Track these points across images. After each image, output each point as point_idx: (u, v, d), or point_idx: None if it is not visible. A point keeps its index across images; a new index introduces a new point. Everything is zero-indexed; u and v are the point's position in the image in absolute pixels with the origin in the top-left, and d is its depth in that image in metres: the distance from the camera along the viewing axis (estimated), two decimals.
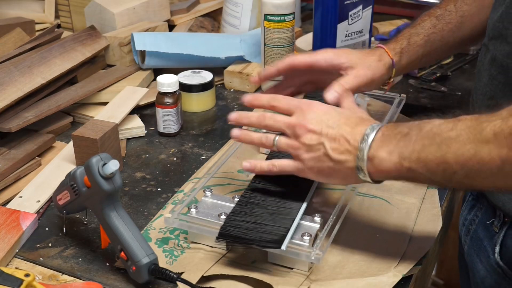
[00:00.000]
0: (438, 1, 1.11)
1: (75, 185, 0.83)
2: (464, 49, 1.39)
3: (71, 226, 0.92)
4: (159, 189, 1.00)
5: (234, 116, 0.88)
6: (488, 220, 0.89)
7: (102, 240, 0.83)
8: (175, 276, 0.79)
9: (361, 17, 1.28)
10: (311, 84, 1.03)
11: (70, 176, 0.84)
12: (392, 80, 1.03)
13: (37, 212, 0.94)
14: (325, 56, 0.97)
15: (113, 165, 0.78)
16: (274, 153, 0.95)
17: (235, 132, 0.88)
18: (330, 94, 0.91)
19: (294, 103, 0.84)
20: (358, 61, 0.97)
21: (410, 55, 1.03)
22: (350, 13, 1.26)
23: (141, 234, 0.81)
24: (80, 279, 0.82)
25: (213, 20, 1.56)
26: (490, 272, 0.87)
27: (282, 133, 0.84)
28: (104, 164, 0.79)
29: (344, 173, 0.78)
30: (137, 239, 0.79)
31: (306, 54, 1.00)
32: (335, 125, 0.79)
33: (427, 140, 0.71)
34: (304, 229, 0.82)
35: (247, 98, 0.89)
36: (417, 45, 1.03)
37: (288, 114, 0.83)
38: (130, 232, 0.80)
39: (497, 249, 0.85)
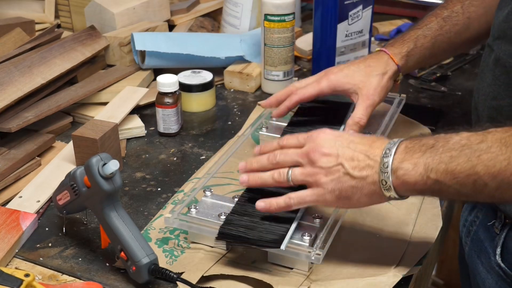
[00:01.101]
0: (438, 1, 1.10)
1: (75, 185, 0.83)
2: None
3: (71, 226, 0.92)
4: (159, 189, 1.00)
5: (242, 165, 0.85)
6: (489, 222, 0.88)
7: (102, 240, 0.83)
8: (175, 276, 0.79)
9: (361, 17, 1.28)
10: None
11: (70, 176, 0.84)
12: (398, 80, 1.05)
13: (37, 212, 0.94)
14: (328, 84, 1.01)
15: (113, 165, 0.78)
16: None
17: (243, 178, 0.84)
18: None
19: (302, 135, 0.82)
20: (362, 86, 0.99)
21: (417, 58, 1.04)
22: (350, 13, 1.26)
23: (141, 234, 0.81)
24: (80, 279, 0.82)
25: (213, 20, 1.56)
26: (491, 274, 0.87)
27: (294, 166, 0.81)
28: (104, 164, 0.79)
29: (368, 190, 0.75)
30: (137, 239, 0.79)
31: (310, 85, 1.02)
32: (350, 145, 0.77)
33: (455, 151, 0.69)
34: (304, 229, 0.82)
35: (256, 150, 0.87)
36: (424, 47, 1.03)
37: (299, 147, 0.81)
38: (130, 232, 0.79)
39: (498, 250, 0.85)
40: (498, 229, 0.86)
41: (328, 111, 1.08)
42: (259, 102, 1.07)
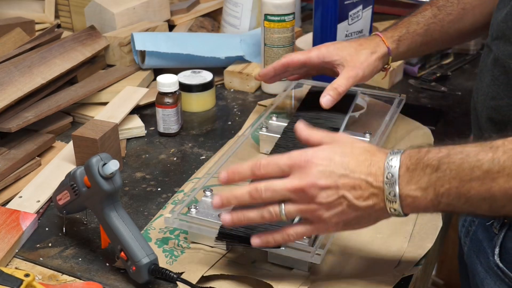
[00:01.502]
0: None
1: (75, 185, 0.83)
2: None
3: (71, 226, 0.92)
4: (159, 189, 1.00)
5: (217, 201, 0.74)
6: (487, 222, 0.88)
7: (102, 240, 0.83)
8: (175, 276, 0.79)
9: (361, 17, 1.28)
10: (308, 74, 1.11)
11: (70, 176, 0.84)
12: (389, 66, 1.06)
13: (37, 212, 0.94)
14: (317, 54, 1.03)
15: (113, 165, 0.78)
16: (274, 153, 0.95)
17: (225, 218, 0.74)
18: (326, 99, 1.00)
19: (284, 161, 0.72)
20: (349, 59, 1.01)
21: (408, 43, 1.04)
22: (350, 13, 1.26)
23: (141, 234, 0.81)
24: (80, 279, 0.82)
25: (213, 20, 1.56)
26: (490, 274, 0.87)
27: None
28: (104, 164, 0.78)
29: (375, 216, 0.73)
30: (137, 239, 0.79)
31: (301, 52, 1.05)
32: (347, 171, 0.70)
33: (464, 174, 0.66)
34: None
35: (223, 177, 0.75)
36: (416, 33, 1.04)
37: (283, 176, 0.72)
38: (130, 232, 0.80)
39: (497, 250, 0.85)
40: (496, 229, 0.86)
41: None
42: (257, 75, 1.09)
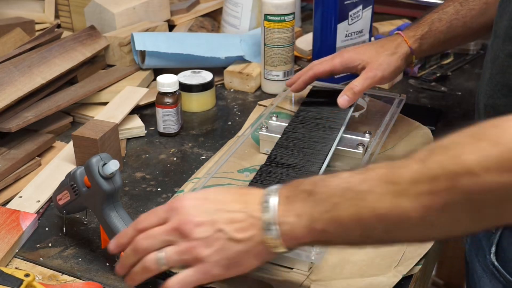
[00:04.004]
0: (438, 1, 1.11)
1: (75, 185, 0.83)
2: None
3: (71, 226, 0.92)
4: (159, 189, 1.00)
5: (117, 270, 0.74)
6: None
7: (102, 240, 0.83)
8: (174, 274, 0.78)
9: (361, 17, 1.28)
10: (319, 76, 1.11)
11: (70, 176, 0.84)
12: (414, 64, 1.07)
13: (37, 212, 0.94)
14: (340, 61, 1.06)
15: (113, 165, 0.78)
16: (274, 153, 0.95)
17: (118, 272, 0.74)
18: (343, 99, 1.03)
19: (161, 210, 0.71)
20: (370, 61, 1.03)
21: (431, 42, 1.05)
22: (350, 13, 1.26)
23: None
24: (80, 279, 0.82)
25: (213, 20, 1.56)
26: (486, 272, 0.87)
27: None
28: (104, 164, 0.78)
29: (256, 250, 0.67)
30: None
31: (325, 61, 1.08)
32: (223, 206, 0.68)
33: (337, 197, 0.63)
34: None
35: (112, 249, 0.74)
36: (438, 31, 1.04)
37: (163, 223, 0.70)
38: None
39: (493, 249, 0.85)
40: (494, 228, 0.86)
41: (334, 100, 1.08)
42: (287, 83, 1.13)
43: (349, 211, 0.62)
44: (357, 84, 1.03)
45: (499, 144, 0.55)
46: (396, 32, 1.08)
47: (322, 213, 0.63)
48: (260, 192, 0.68)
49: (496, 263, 0.85)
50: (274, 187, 0.68)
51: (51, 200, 0.96)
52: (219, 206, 0.68)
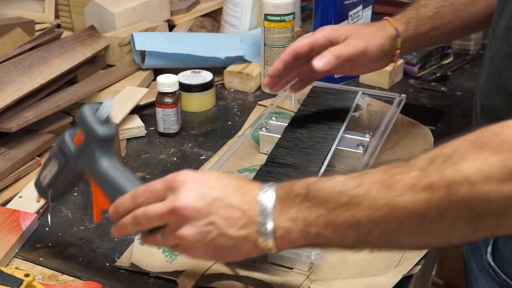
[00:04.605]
0: None
1: (64, 147, 0.76)
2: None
3: (71, 226, 0.91)
4: None
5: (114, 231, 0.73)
6: None
7: (95, 212, 0.77)
8: None
9: (361, 17, 1.28)
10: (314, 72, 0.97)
11: (58, 141, 0.78)
12: (398, 51, 1.00)
13: (37, 212, 0.94)
14: (323, 33, 0.97)
15: (108, 107, 0.73)
16: (274, 153, 0.95)
17: (113, 232, 0.73)
18: (320, 60, 0.91)
19: (158, 186, 0.69)
20: (354, 32, 0.96)
21: (417, 26, 1.00)
22: (350, 13, 1.26)
23: (141, 181, 0.75)
24: (80, 279, 0.82)
25: (213, 20, 1.56)
26: (483, 272, 0.87)
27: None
28: (97, 109, 0.73)
29: (247, 248, 0.67)
30: (139, 184, 0.73)
31: (305, 37, 1.00)
32: (222, 198, 0.66)
33: (332, 201, 0.62)
34: None
35: (110, 214, 0.73)
36: (425, 16, 1.00)
37: (160, 200, 0.69)
38: (132, 180, 0.74)
39: (489, 249, 0.85)
40: (495, 237, 0.85)
41: (334, 100, 1.08)
42: (264, 81, 1.00)
43: (344, 215, 0.61)
44: (337, 49, 0.93)
45: (500, 153, 0.54)
46: (383, 18, 1.03)
47: (317, 217, 0.63)
48: (258, 189, 0.67)
49: (492, 263, 0.85)
50: (271, 187, 0.67)
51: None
52: (218, 195, 0.67)
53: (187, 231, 0.66)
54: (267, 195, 0.66)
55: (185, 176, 0.68)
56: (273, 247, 0.66)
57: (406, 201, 0.58)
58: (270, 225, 0.65)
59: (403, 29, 0.99)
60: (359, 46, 0.94)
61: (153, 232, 0.70)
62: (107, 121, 0.74)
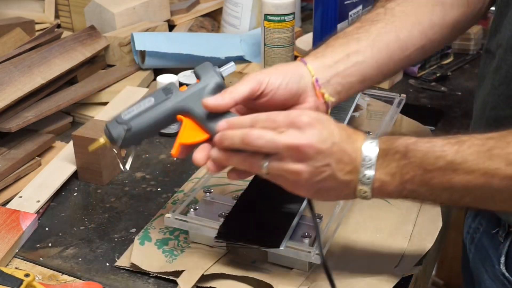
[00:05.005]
0: None
1: (168, 89, 0.79)
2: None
3: (71, 226, 0.92)
4: (159, 189, 1.00)
5: (218, 139, 0.73)
6: (493, 230, 0.86)
7: (175, 144, 0.78)
8: None
9: None
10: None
11: (162, 86, 0.80)
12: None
13: (37, 212, 0.94)
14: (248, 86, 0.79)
15: (231, 67, 0.82)
16: None
17: (198, 158, 0.76)
18: (208, 99, 0.77)
19: (281, 118, 0.70)
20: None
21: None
22: (350, 13, 1.26)
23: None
24: (80, 279, 0.82)
25: (213, 20, 1.56)
26: (496, 283, 0.85)
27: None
28: (219, 66, 0.82)
29: (346, 192, 0.72)
30: None
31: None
32: (340, 140, 0.70)
33: (429, 163, 0.67)
34: (304, 229, 0.82)
35: (222, 124, 0.73)
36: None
37: (278, 131, 0.69)
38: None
39: (502, 259, 0.84)
40: (502, 238, 0.84)
41: None
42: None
43: (440, 179, 0.66)
44: (234, 88, 0.78)
45: None
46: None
47: (413, 176, 0.68)
48: (363, 140, 0.70)
49: (507, 274, 0.83)
50: (374, 139, 0.70)
51: (51, 200, 0.97)
52: (336, 139, 0.70)
53: (304, 168, 0.69)
54: (371, 148, 0.70)
55: (309, 116, 0.70)
56: (369, 196, 0.71)
57: (502, 176, 0.63)
58: (371, 176, 0.69)
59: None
60: (254, 79, 0.79)
61: (254, 156, 0.71)
62: (223, 78, 0.81)
